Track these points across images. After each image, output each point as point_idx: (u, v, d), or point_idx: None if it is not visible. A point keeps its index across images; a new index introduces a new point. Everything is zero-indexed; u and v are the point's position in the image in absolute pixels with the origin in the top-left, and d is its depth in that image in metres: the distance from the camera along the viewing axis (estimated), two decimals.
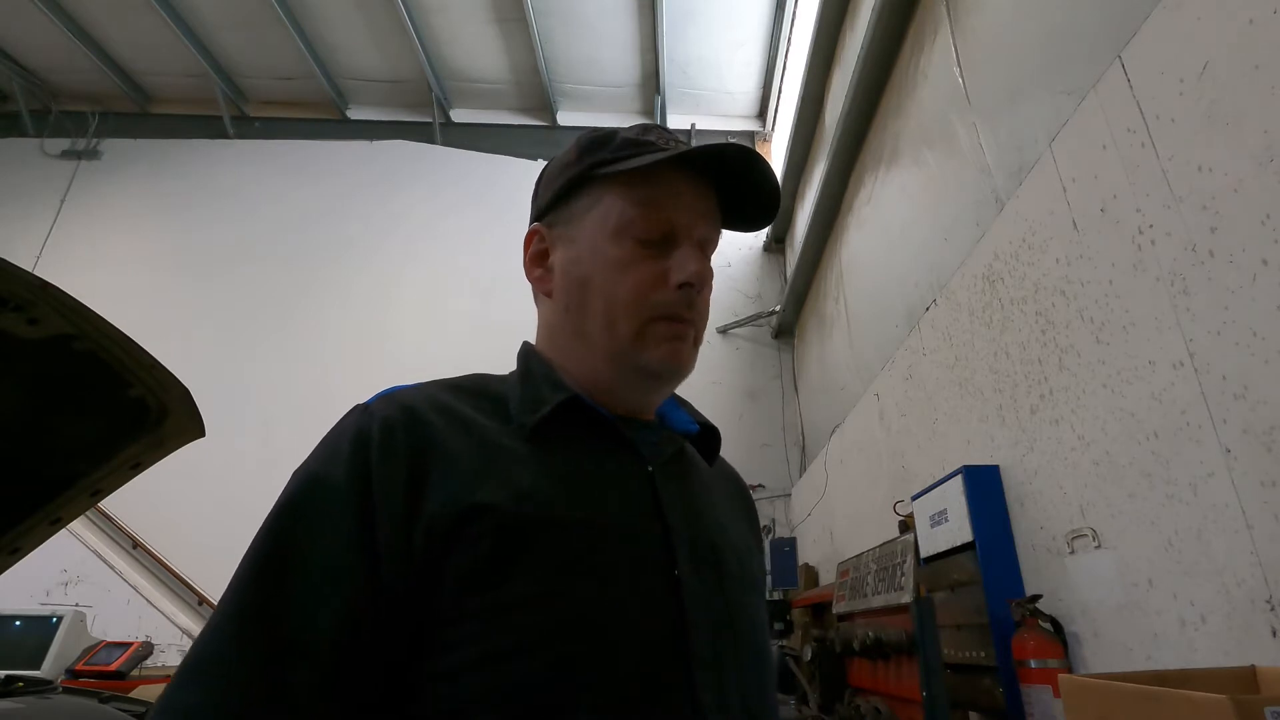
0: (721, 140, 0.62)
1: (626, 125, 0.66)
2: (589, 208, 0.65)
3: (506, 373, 0.69)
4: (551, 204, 0.68)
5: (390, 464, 0.52)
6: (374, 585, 0.48)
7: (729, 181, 0.66)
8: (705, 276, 0.63)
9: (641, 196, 0.62)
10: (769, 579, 3.68)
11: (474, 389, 0.63)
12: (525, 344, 0.71)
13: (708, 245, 0.66)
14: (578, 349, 0.65)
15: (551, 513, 0.53)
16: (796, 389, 5.19)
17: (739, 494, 0.78)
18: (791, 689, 2.81)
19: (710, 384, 5.14)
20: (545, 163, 0.76)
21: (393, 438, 0.53)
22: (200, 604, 4.68)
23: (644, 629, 0.52)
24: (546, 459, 0.57)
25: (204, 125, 6.66)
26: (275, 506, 0.52)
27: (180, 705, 0.44)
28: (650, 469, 0.61)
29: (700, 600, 0.55)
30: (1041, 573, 1.57)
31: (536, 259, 0.69)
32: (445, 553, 0.49)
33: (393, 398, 0.58)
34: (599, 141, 0.65)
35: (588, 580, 0.51)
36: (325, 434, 0.56)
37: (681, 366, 0.64)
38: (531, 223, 0.71)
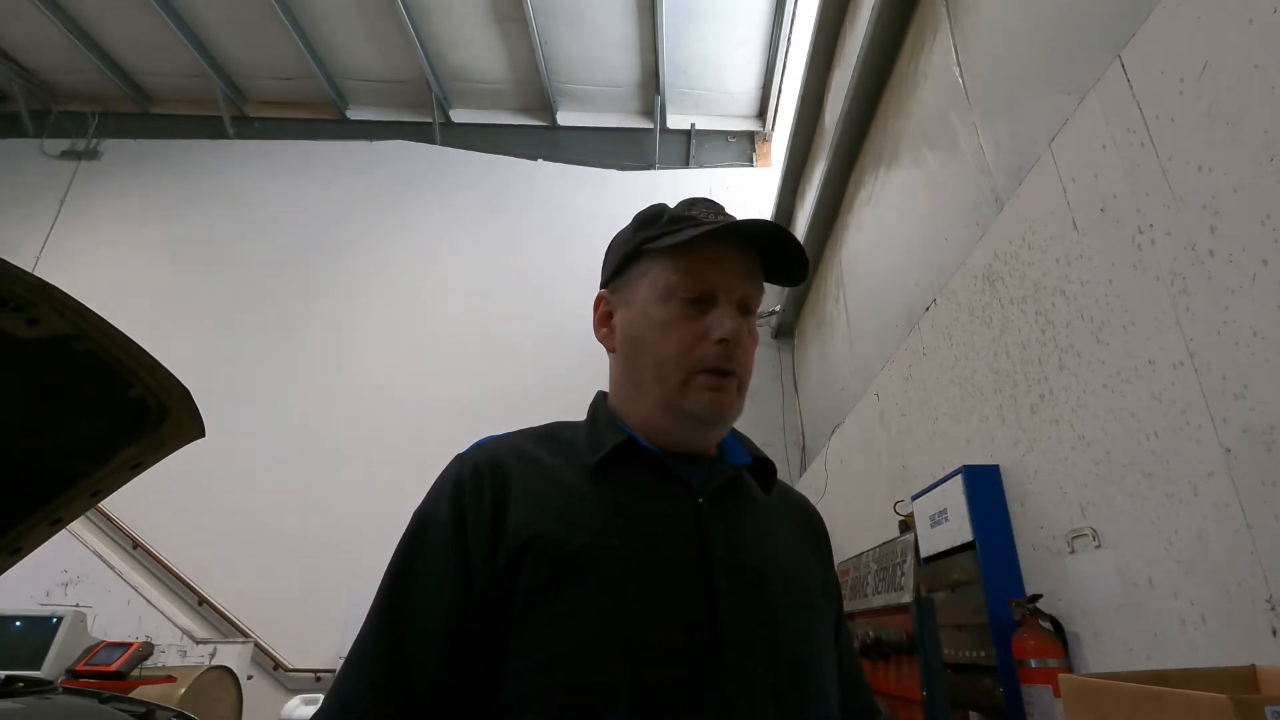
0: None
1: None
2: (641, 276, 0.75)
3: (580, 419, 0.79)
4: (613, 274, 0.79)
5: (479, 501, 0.65)
6: (471, 597, 0.61)
7: (767, 244, 0.74)
8: (741, 332, 0.70)
9: (684, 266, 0.71)
10: None
11: (550, 435, 0.75)
12: (597, 393, 0.82)
13: (750, 302, 0.74)
14: (636, 397, 0.75)
15: (601, 542, 0.62)
16: (796, 389, 5.19)
17: (805, 520, 0.84)
18: None
19: None
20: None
21: (480, 479, 0.67)
22: (200, 604, 4.68)
23: (678, 644, 0.59)
24: (604, 494, 0.67)
25: (204, 125, 6.66)
26: (402, 537, 0.67)
27: (342, 694, 0.60)
28: (700, 501, 0.68)
29: (736, 621, 0.62)
30: (1041, 573, 1.56)
31: (603, 320, 0.80)
32: (516, 574, 0.61)
33: (482, 447, 0.72)
34: (650, 219, 0.76)
35: (627, 601, 0.60)
36: (435, 479, 0.70)
37: (724, 413, 0.71)
38: (600, 289, 0.82)
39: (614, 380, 0.79)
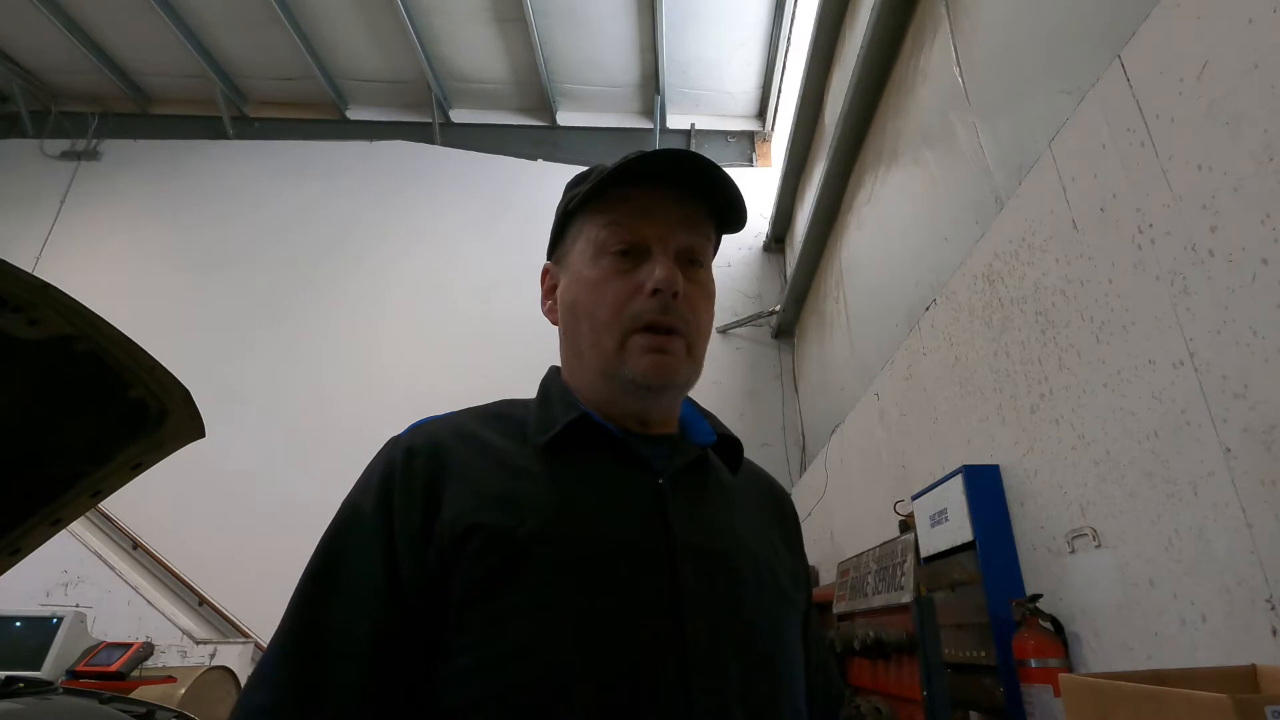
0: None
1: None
2: (575, 238, 0.70)
3: (532, 396, 0.73)
4: (552, 242, 0.75)
5: (409, 490, 0.59)
6: (399, 598, 0.55)
7: (705, 189, 0.68)
8: (674, 280, 0.63)
9: (611, 218, 0.66)
10: None
11: (498, 414, 0.69)
12: (550, 369, 0.76)
13: (695, 252, 0.68)
14: (579, 369, 0.69)
15: (551, 528, 0.56)
16: (796, 389, 5.19)
17: (774, 503, 0.78)
18: None
19: (710, 384, 5.14)
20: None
21: (413, 466, 0.60)
22: (201, 604, 4.68)
23: (640, 637, 0.54)
24: (556, 476, 0.61)
25: (204, 126, 6.66)
26: (325, 532, 0.60)
27: (249, 706, 0.53)
28: (660, 482, 0.63)
29: (702, 609, 0.57)
30: (1041, 572, 1.57)
31: (547, 293, 0.75)
32: (453, 567, 0.55)
33: (420, 429, 0.65)
34: (579, 178, 0.71)
35: (583, 591, 0.54)
36: (367, 464, 0.64)
37: (667, 377, 0.64)
38: (545, 262, 0.77)
39: (562, 356, 0.73)
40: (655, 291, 0.63)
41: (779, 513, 0.77)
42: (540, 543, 0.55)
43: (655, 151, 0.64)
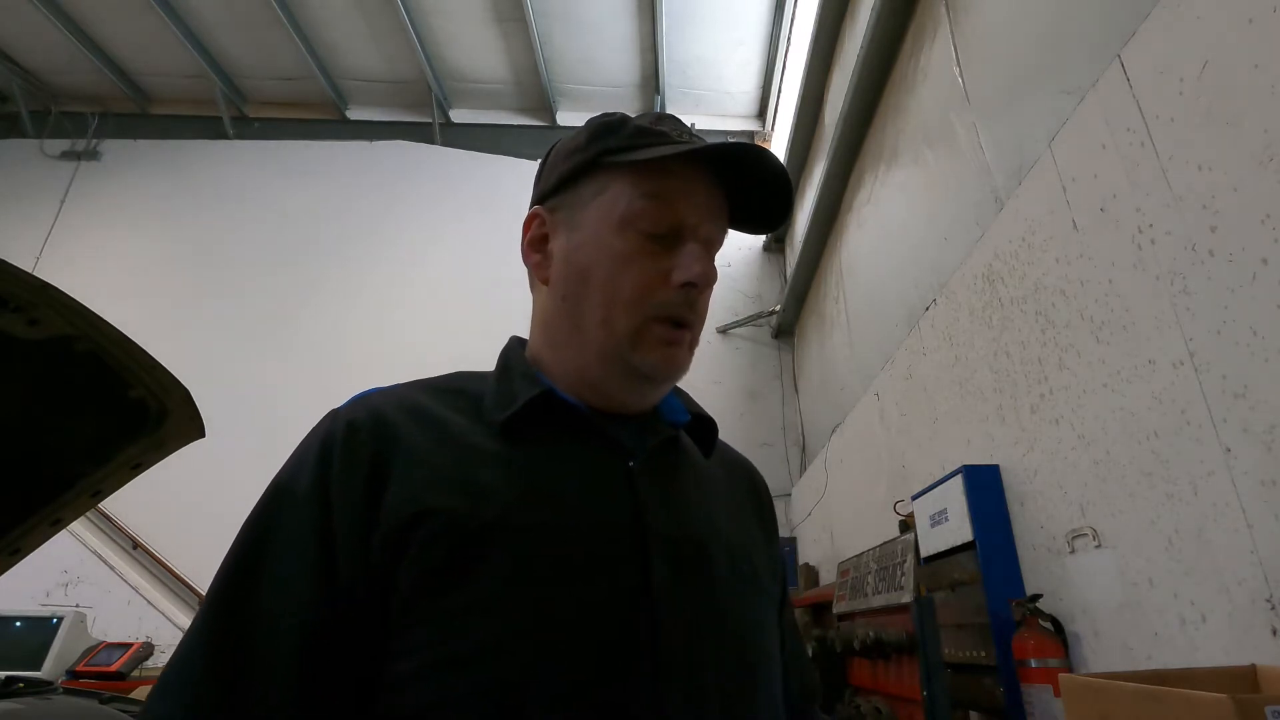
0: (722, 141, 0.61)
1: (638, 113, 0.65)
2: (595, 195, 0.62)
3: (489, 370, 0.67)
4: (556, 188, 0.65)
5: (351, 468, 0.53)
6: (334, 592, 0.49)
7: (739, 182, 0.63)
8: (710, 277, 0.61)
9: (651, 189, 0.60)
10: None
11: (451, 388, 0.63)
12: (511, 339, 0.70)
13: (713, 245, 0.63)
14: (571, 340, 0.62)
15: (511, 514, 0.52)
16: (796, 389, 5.19)
17: (748, 487, 0.73)
18: None
19: (710, 384, 5.14)
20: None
21: (355, 441, 0.54)
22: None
23: (609, 632, 0.50)
24: (516, 457, 0.56)
25: (204, 126, 6.65)
26: (247, 518, 0.54)
27: (154, 716, 0.47)
28: (630, 465, 0.58)
29: (676, 601, 0.53)
30: (1041, 572, 1.57)
31: (536, 243, 0.66)
32: (400, 556, 0.49)
33: (362, 401, 0.58)
34: (610, 128, 0.63)
35: (547, 583, 0.50)
36: (301, 440, 0.57)
37: (676, 370, 0.62)
38: (533, 205, 0.68)
39: (542, 320, 0.66)
40: (686, 285, 0.59)
41: (756, 499, 0.73)
42: (502, 531, 0.50)
43: (737, 145, 0.59)
